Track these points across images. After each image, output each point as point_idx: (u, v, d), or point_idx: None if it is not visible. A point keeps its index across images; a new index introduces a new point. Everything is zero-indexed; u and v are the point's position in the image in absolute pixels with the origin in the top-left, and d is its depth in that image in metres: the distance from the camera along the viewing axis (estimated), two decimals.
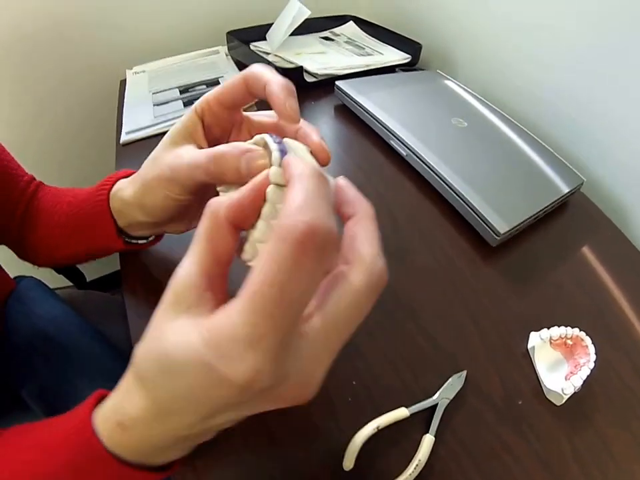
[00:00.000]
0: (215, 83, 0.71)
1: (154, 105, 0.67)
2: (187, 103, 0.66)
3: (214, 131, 0.31)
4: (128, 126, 0.63)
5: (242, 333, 0.16)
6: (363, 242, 0.19)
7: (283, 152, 0.20)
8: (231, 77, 0.71)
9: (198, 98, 0.66)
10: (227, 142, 0.30)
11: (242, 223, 0.20)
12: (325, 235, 0.16)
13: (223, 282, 0.20)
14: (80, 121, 0.90)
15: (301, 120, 0.26)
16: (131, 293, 0.40)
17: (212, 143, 0.30)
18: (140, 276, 0.41)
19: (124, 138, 0.60)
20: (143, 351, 0.20)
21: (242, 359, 0.16)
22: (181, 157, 0.28)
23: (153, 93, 0.70)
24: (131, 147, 0.59)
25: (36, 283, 0.53)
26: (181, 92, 0.70)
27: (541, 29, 0.63)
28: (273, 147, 0.21)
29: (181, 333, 0.18)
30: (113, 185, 0.36)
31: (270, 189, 0.20)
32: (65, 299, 0.53)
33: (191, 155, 0.27)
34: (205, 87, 0.70)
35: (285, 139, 0.23)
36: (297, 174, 0.18)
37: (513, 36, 0.68)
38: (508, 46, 0.69)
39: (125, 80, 0.75)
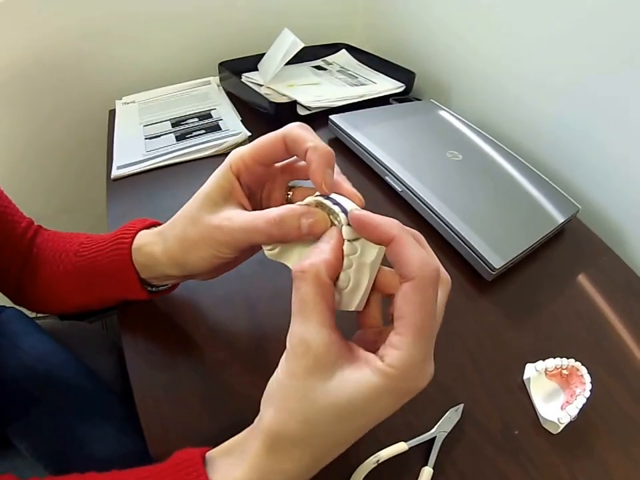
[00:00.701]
0: (207, 115, 0.77)
1: (145, 138, 0.71)
2: (179, 137, 0.71)
3: (250, 186, 0.33)
4: (119, 160, 0.66)
5: (419, 358, 0.23)
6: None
7: (346, 212, 0.27)
8: (223, 109, 0.78)
9: (190, 132, 0.72)
10: (262, 194, 0.35)
11: (334, 278, 0.26)
12: (439, 270, 0.24)
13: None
14: (68, 150, 0.95)
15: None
16: (129, 330, 0.43)
17: (248, 197, 0.33)
18: (138, 314, 0.44)
19: (115, 173, 0.63)
20: (297, 419, 0.24)
21: (424, 373, 0.24)
22: (231, 220, 0.31)
23: (144, 126, 0.75)
24: (122, 181, 0.63)
25: (18, 314, 0.54)
26: (173, 125, 0.74)
27: (536, 56, 0.69)
28: (336, 209, 0.27)
29: (354, 380, 0.23)
30: (133, 237, 0.38)
31: (345, 245, 0.26)
32: (48, 330, 0.55)
33: (244, 220, 0.30)
34: (197, 119, 0.76)
35: (333, 194, 0.29)
36: (397, 233, 0.24)
37: (506, 63, 0.74)
38: (502, 72, 0.75)
39: (114, 110, 0.80)
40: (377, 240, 0.25)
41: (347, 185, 0.30)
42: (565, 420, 0.38)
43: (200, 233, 0.32)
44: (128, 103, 0.83)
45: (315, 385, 0.23)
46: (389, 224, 0.24)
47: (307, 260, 0.25)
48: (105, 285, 0.40)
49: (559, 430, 0.38)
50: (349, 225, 0.26)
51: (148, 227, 0.40)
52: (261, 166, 0.32)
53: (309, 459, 0.24)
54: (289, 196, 0.35)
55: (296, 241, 0.29)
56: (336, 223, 0.28)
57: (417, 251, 0.24)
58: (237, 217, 0.30)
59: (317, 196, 0.29)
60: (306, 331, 0.24)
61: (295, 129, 0.30)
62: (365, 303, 0.28)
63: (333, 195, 0.29)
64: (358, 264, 0.26)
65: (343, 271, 0.26)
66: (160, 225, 0.42)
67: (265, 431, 0.24)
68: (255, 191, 0.34)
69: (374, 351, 0.25)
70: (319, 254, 0.25)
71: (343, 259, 0.26)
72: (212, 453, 0.27)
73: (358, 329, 0.30)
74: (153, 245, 0.37)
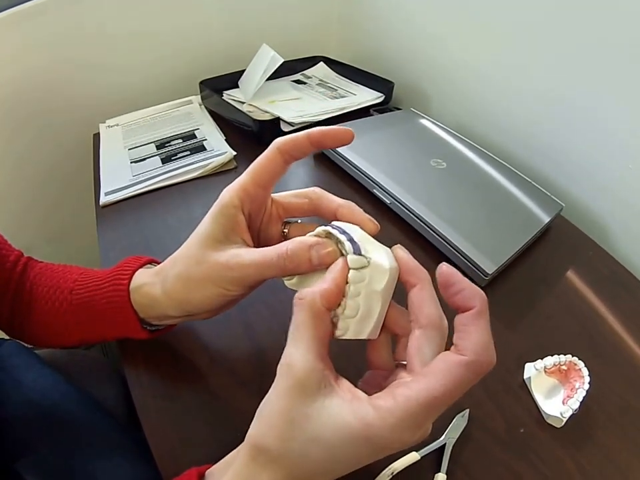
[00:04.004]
0: (191, 135, 0.77)
1: (131, 162, 0.71)
2: (165, 160, 0.71)
3: (251, 216, 0.34)
4: (106, 186, 0.66)
5: (410, 424, 0.23)
6: (432, 307, 0.26)
7: (352, 240, 0.27)
8: (207, 129, 0.78)
9: (175, 154, 0.72)
10: (259, 230, 0.36)
11: (332, 306, 0.27)
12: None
13: (329, 357, 0.26)
14: (55, 177, 0.95)
15: (336, 198, 0.33)
16: (131, 363, 0.42)
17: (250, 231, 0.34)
18: (138, 345, 0.43)
19: (103, 200, 0.63)
20: (275, 435, 0.24)
21: (405, 438, 0.23)
22: (241, 257, 0.31)
23: (129, 149, 0.74)
24: (111, 207, 0.62)
25: (17, 347, 0.53)
26: (157, 147, 0.74)
27: (512, 59, 0.71)
28: (343, 237, 0.28)
29: (329, 414, 0.24)
30: (130, 277, 0.37)
31: (351, 273, 0.27)
32: (47, 359, 0.54)
33: (255, 256, 0.30)
34: (181, 140, 0.75)
35: (339, 223, 0.30)
36: (481, 308, 0.24)
37: (482, 67, 0.76)
38: (478, 77, 0.77)
39: (99, 134, 0.79)
40: (454, 304, 0.25)
41: (359, 213, 0.31)
42: (568, 414, 0.39)
43: (205, 272, 0.32)
44: (112, 126, 0.82)
45: (294, 405, 0.24)
46: (474, 293, 0.25)
47: (307, 288, 0.26)
48: (103, 324, 0.39)
49: (563, 424, 0.39)
50: (355, 253, 0.27)
51: (144, 265, 0.40)
52: (261, 189, 0.33)
53: (286, 477, 0.25)
54: (285, 232, 0.36)
55: (310, 271, 0.30)
56: (343, 252, 0.28)
57: (487, 334, 0.24)
58: (247, 254, 0.31)
59: (325, 226, 0.30)
60: (292, 354, 0.25)
61: (276, 141, 0.32)
62: (379, 332, 0.29)
63: (340, 224, 0.29)
64: (367, 292, 0.27)
65: (350, 299, 0.27)
66: (156, 262, 0.42)
67: (249, 441, 0.26)
68: (254, 222, 0.35)
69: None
70: (321, 283, 0.27)
71: (345, 288, 0.27)
72: (213, 469, 0.28)
73: (368, 369, 0.31)
74: (151, 285, 0.36)
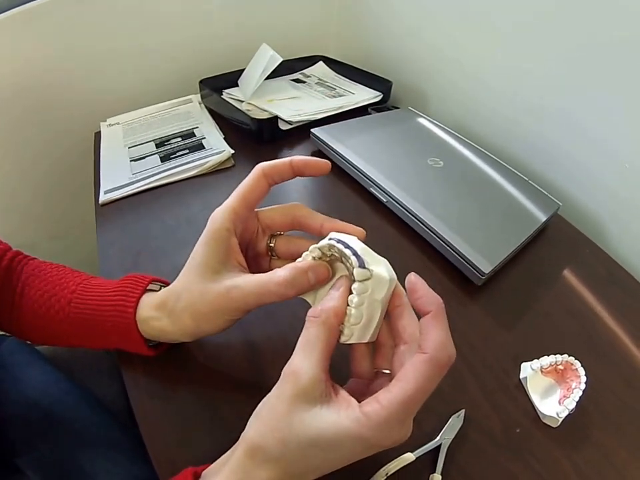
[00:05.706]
0: (190, 134, 0.76)
1: (130, 161, 0.70)
2: (164, 158, 0.70)
3: (241, 236, 0.35)
4: (106, 184, 0.65)
5: (396, 419, 0.25)
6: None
7: (356, 255, 0.29)
8: (206, 127, 0.77)
9: (174, 152, 0.71)
10: (247, 246, 0.37)
11: (342, 321, 0.29)
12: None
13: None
14: (56, 175, 0.94)
15: (319, 214, 0.35)
16: (128, 364, 0.41)
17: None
18: None
19: (103, 198, 0.62)
20: (275, 436, 0.26)
21: (397, 434, 0.26)
22: (241, 287, 0.32)
23: (129, 147, 0.74)
24: (110, 206, 0.61)
25: (17, 344, 0.53)
26: (157, 145, 0.73)
27: (509, 59, 0.70)
28: (348, 252, 0.29)
29: (327, 419, 0.26)
30: (136, 304, 0.37)
31: (357, 285, 0.29)
32: (48, 356, 0.53)
33: (254, 285, 0.32)
34: (180, 139, 0.74)
35: (336, 234, 0.32)
36: (436, 309, 0.27)
37: (480, 67, 0.75)
38: (475, 77, 0.76)
39: (100, 132, 0.79)
40: (417, 308, 0.28)
41: (343, 225, 0.34)
42: (564, 414, 0.38)
43: (210, 305, 0.33)
44: (112, 125, 0.81)
45: (295, 411, 0.26)
46: (432, 299, 0.27)
47: (319, 306, 0.29)
48: (105, 339, 0.39)
49: (559, 424, 0.39)
50: (360, 267, 0.28)
51: (147, 286, 0.39)
52: (248, 210, 0.35)
53: (283, 475, 0.26)
54: (272, 246, 0.38)
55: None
56: (347, 264, 0.30)
57: (444, 332, 0.26)
58: (246, 284, 0.32)
59: (329, 240, 0.31)
60: (301, 364, 0.27)
61: (261, 165, 0.35)
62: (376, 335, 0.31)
63: (341, 237, 0.31)
64: (370, 301, 0.29)
65: (356, 309, 0.29)
66: (158, 280, 0.41)
67: (247, 440, 0.27)
68: (243, 241, 0.36)
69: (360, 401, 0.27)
70: (330, 300, 0.29)
71: (347, 303, 0.29)
72: (208, 471, 0.29)
73: (350, 378, 0.33)
74: (157, 319, 0.36)
